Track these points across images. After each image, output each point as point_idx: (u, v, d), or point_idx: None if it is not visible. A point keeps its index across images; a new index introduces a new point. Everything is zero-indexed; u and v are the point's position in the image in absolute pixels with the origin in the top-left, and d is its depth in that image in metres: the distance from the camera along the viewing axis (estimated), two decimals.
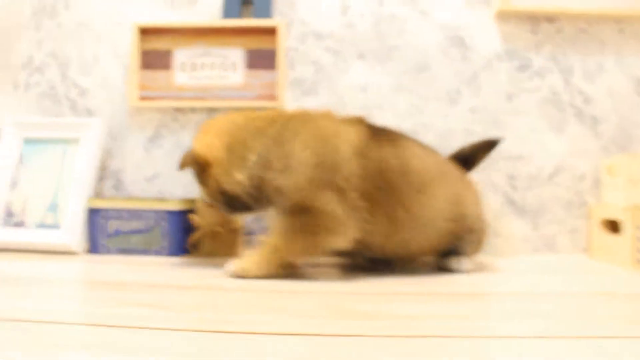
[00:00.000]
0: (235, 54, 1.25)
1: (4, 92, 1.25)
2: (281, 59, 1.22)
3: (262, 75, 1.24)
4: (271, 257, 0.90)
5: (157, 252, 1.15)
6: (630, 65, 1.23)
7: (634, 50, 1.23)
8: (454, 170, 1.01)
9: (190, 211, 1.17)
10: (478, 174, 1.24)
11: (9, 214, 1.19)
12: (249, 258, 0.91)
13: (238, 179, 0.91)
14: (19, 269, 0.97)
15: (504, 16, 1.24)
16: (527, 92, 1.24)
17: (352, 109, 1.24)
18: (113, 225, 1.16)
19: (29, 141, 1.25)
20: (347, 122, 0.95)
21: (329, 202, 0.87)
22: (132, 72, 1.25)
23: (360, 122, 0.95)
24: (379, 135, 0.94)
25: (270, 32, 1.24)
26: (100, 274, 0.93)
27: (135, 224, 1.15)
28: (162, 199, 1.16)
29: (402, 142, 0.95)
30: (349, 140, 0.91)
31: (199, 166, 0.94)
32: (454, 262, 0.99)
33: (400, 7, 1.25)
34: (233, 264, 0.91)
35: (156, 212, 1.15)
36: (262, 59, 1.24)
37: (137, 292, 0.79)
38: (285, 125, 0.92)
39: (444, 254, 1.01)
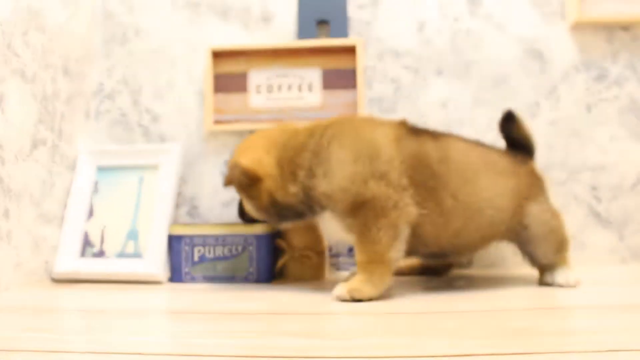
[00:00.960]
0: (312, 74, 1.24)
1: (76, 120, 1.23)
2: (360, 78, 1.21)
3: (340, 95, 1.23)
4: (375, 270, 0.87)
5: (244, 279, 1.11)
6: None
7: None
8: (505, 163, 0.97)
9: (276, 235, 1.14)
10: (560, 186, 1.22)
11: (88, 244, 1.15)
12: (356, 278, 0.88)
13: (292, 192, 0.93)
14: (115, 302, 0.92)
15: (580, 27, 1.24)
16: (606, 101, 1.24)
17: (433, 126, 1.23)
18: (198, 252, 1.12)
19: (103, 169, 1.22)
20: (387, 122, 0.96)
21: (377, 187, 0.87)
22: (207, 95, 1.23)
23: (401, 122, 0.96)
24: (419, 132, 0.94)
25: (348, 51, 1.23)
26: (202, 303, 0.89)
27: (221, 250, 1.12)
28: (248, 224, 1.13)
29: (444, 138, 0.95)
30: (385, 133, 0.92)
31: (249, 181, 0.95)
32: (559, 276, 0.96)
33: (476, 22, 1.25)
34: (342, 287, 0.87)
35: (243, 236, 1.11)
36: (340, 79, 1.23)
37: (261, 321, 0.76)
38: (323, 134, 0.94)
39: (543, 268, 0.99)
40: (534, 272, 1.02)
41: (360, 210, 0.87)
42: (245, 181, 0.95)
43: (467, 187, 0.92)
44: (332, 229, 0.93)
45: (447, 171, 0.91)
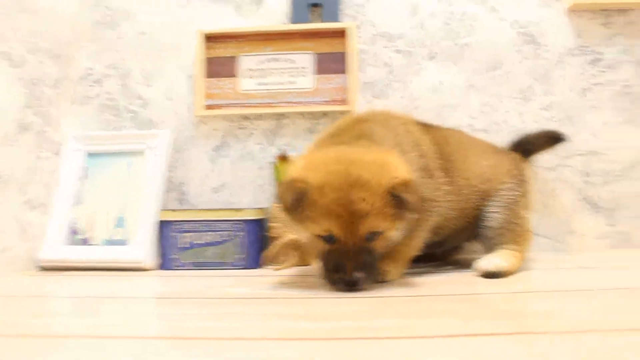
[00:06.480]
0: (304, 59, 1.22)
1: (64, 105, 1.21)
2: (352, 62, 1.19)
3: (333, 79, 1.21)
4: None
5: (234, 265, 1.09)
6: None
7: None
8: (489, 148, 1.05)
9: (266, 221, 1.13)
10: (550, 172, 1.21)
11: (74, 232, 1.14)
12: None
13: None
14: (103, 288, 0.91)
15: (576, 10, 1.22)
16: (600, 86, 1.22)
17: (425, 110, 1.21)
18: (186, 238, 1.11)
19: (91, 155, 1.20)
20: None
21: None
22: (198, 80, 1.22)
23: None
24: (422, 122, 1.01)
25: (340, 34, 1.21)
26: (190, 289, 0.88)
27: (210, 236, 1.11)
28: (236, 209, 1.11)
29: (440, 127, 1.03)
30: (415, 128, 0.96)
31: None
32: (486, 260, 0.91)
33: (471, 5, 1.23)
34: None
35: (232, 222, 1.10)
36: (332, 63, 1.21)
37: (250, 305, 0.75)
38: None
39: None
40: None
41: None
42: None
43: (467, 166, 0.98)
44: None
45: (456, 152, 0.98)
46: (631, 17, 1.22)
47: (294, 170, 0.82)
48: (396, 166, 0.81)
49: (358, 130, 0.89)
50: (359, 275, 0.77)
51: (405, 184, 0.78)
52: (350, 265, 0.77)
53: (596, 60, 1.22)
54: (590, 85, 1.22)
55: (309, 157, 0.85)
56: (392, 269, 0.87)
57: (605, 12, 1.22)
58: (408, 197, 0.78)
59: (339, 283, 0.78)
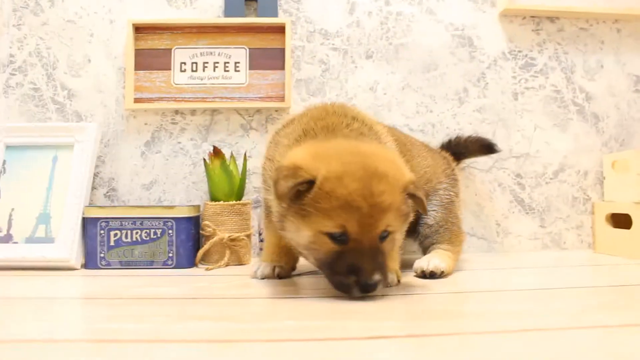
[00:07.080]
0: (238, 53, 1.19)
1: None
2: (288, 58, 1.18)
3: (268, 75, 1.19)
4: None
5: (164, 264, 1.06)
6: (627, 63, 1.27)
7: (630, 49, 1.27)
8: (424, 147, 1.09)
9: (198, 218, 1.11)
10: (486, 173, 1.23)
11: None
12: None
13: None
14: (23, 289, 0.87)
15: (509, 16, 1.25)
16: (531, 90, 1.25)
17: (361, 109, 1.21)
18: (114, 235, 1.07)
19: (12, 147, 1.14)
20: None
21: None
22: (128, 72, 1.17)
23: None
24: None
25: (276, 30, 1.19)
26: (114, 289, 0.85)
27: (138, 234, 1.07)
28: (167, 206, 1.08)
29: (390, 127, 1.04)
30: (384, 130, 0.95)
31: None
32: (424, 260, 0.91)
33: (407, 6, 1.24)
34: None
35: (162, 219, 1.07)
36: (267, 59, 1.19)
37: (173, 306, 0.73)
38: None
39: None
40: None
41: None
42: None
43: (416, 162, 1.00)
44: None
45: (409, 149, 1.00)
46: (560, 25, 1.26)
47: (296, 159, 0.74)
48: (403, 165, 0.78)
49: (356, 129, 0.83)
50: (377, 277, 0.70)
51: (416, 184, 0.76)
52: (368, 267, 0.70)
53: (528, 64, 1.25)
54: (522, 89, 1.25)
55: (312, 148, 0.76)
56: (397, 271, 0.83)
57: (535, 18, 1.25)
58: (421, 195, 0.75)
59: (354, 288, 0.70)
